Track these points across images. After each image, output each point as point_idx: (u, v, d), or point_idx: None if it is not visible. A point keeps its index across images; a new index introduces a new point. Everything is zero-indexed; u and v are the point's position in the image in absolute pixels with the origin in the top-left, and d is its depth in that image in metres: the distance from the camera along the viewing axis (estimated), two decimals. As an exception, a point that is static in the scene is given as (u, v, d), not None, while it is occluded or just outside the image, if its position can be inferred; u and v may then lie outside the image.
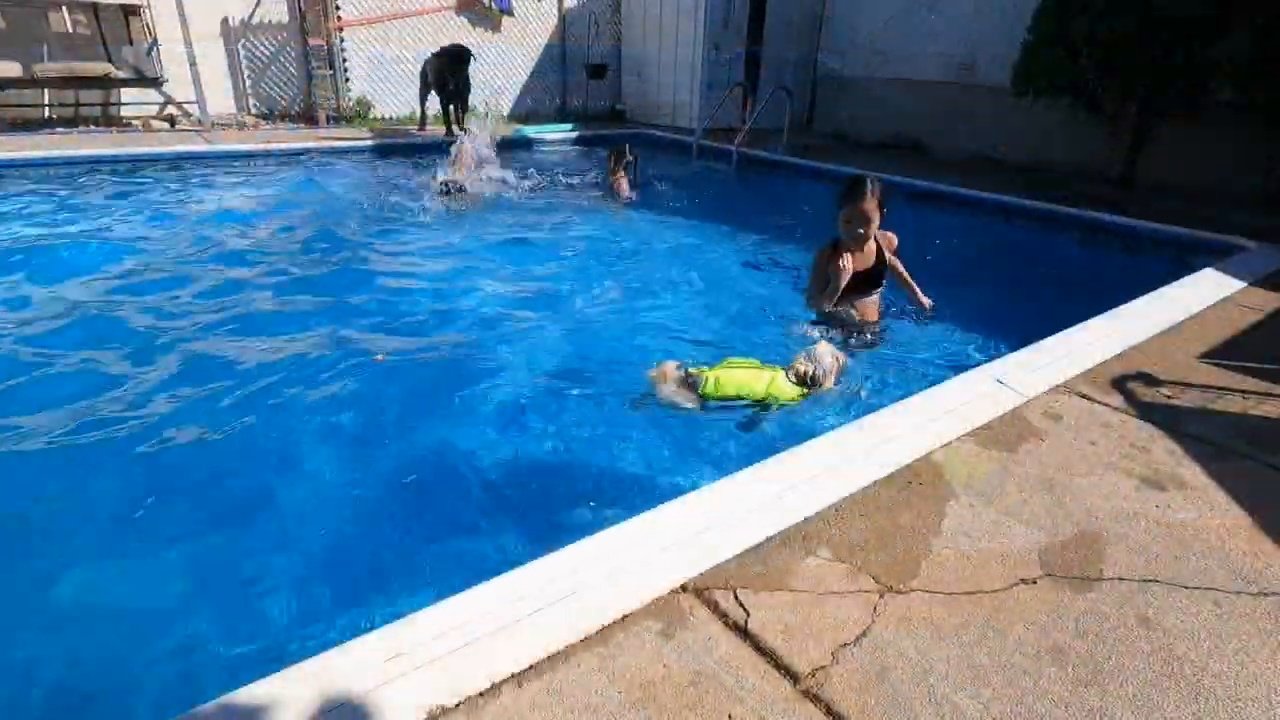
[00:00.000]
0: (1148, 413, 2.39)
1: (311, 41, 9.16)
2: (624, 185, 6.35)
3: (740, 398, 2.66)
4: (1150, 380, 2.63)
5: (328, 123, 9.42)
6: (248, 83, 9.20)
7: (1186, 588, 1.60)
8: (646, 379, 2.76)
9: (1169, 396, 2.51)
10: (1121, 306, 3.33)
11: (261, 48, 9.13)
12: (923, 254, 3.81)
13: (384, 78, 9.80)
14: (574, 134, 9.53)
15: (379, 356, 3.03)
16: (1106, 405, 2.43)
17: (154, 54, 8.23)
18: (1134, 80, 6.19)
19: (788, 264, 4.69)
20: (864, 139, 9.91)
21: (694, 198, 6.65)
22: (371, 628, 1.37)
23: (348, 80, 9.51)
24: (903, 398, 2.39)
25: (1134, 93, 6.41)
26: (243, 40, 8.97)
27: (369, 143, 8.19)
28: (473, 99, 10.55)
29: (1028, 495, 1.91)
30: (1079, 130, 7.32)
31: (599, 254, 4.91)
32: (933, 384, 2.50)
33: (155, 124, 8.63)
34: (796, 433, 2.42)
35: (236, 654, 1.69)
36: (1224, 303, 3.56)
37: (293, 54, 9.31)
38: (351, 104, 9.60)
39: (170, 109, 8.77)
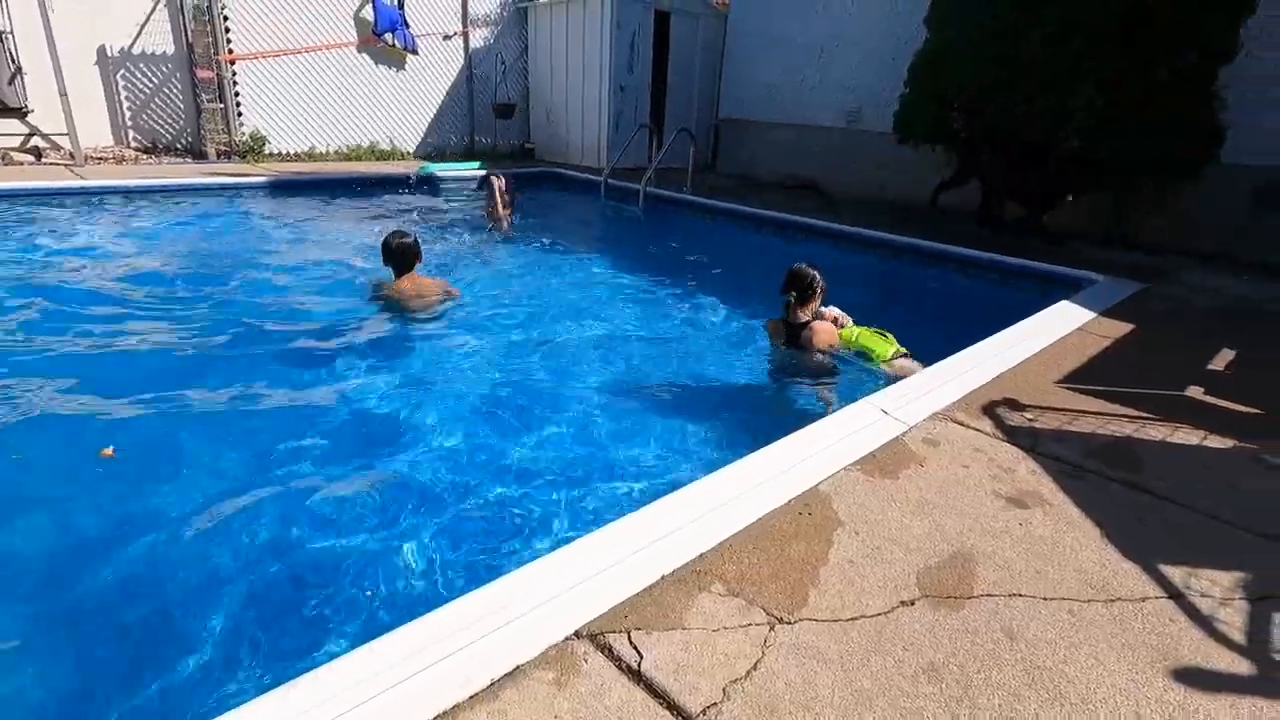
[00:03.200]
0: (1013, 436, 2.60)
1: (200, 74, 8.77)
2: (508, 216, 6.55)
3: (868, 355, 3.54)
4: (1015, 405, 2.86)
5: (218, 158, 9.00)
6: (127, 115, 8.67)
7: (1046, 599, 1.74)
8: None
9: (1031, 420, 2.74)
10: (992, 337, 3.62)
11: (144, 78, 8.66)
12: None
13: (281, 113, 9.48)
14: (481, 172, 9.50)
15: (106, 451, 2.54)
16: (978, 430, 2.62)
17: (17, 83, 7.64)
18: (993, 129, 6.81)
19: (689, 297, 4.84)
20: (765, 179, 10.41)
21: (601, 234, 6.77)
22: (245, 700, 1.28)
23: (240, 114, 9.14)
24: (794, 430, 2.49)
25: (997, 141, 7.05)
26: (122, 70, 8.48)
27: (261, 179, 7.86)
28: (376, 135, 10.41)
29: (908, 520, 2.02)
30: (953, 172, 7.97)
31: (499, 290, 4.89)
32: (821, 416, 2.62)
33: (18, 157, 7.97)
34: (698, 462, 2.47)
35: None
36: (1078, 331, 3.93)
37: (179, 86, 8.88)
38: (245, 139, 9.21)
39: (36, 141, 8.13)
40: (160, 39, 8.64)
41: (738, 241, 7.27)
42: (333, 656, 1.40)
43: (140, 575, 2.05)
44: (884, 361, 3.50)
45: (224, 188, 7.50)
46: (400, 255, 4.01)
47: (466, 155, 11.08)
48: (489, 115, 11.43)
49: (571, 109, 11.18)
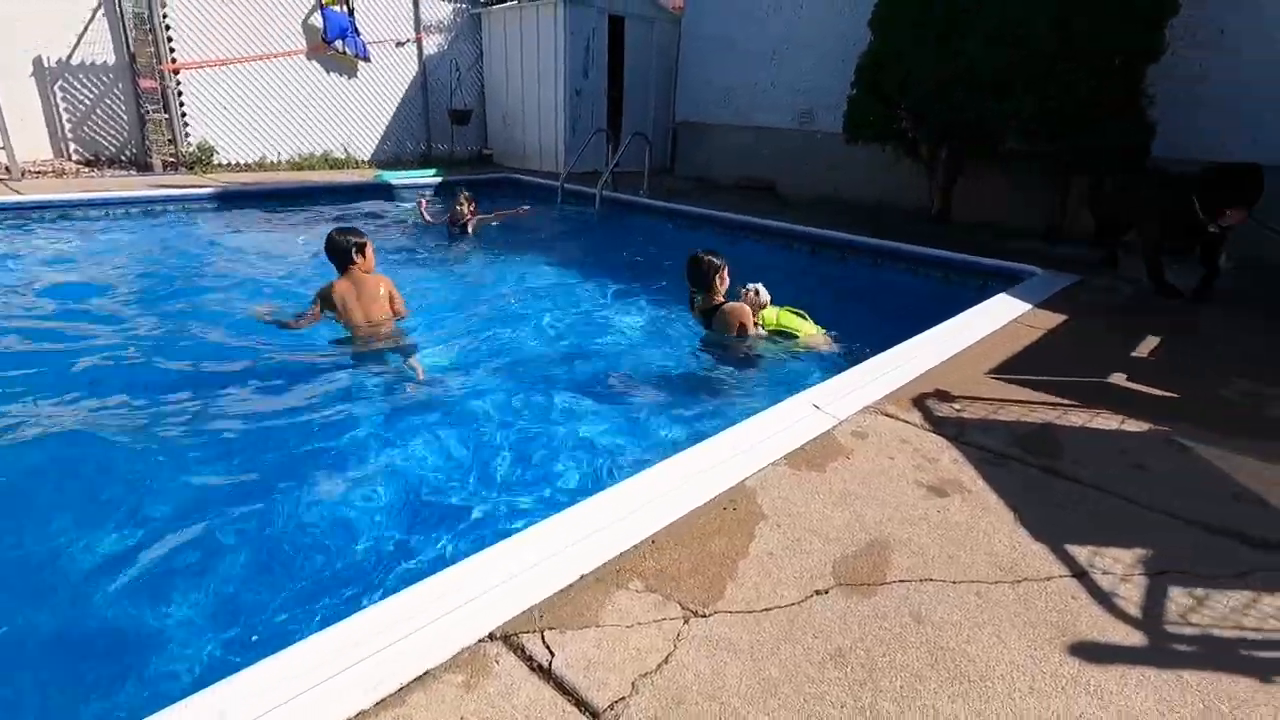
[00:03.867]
0: (940, 426, 2.67)
1: (144, 84, 8.56)
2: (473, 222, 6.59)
3: (791, 335, 3.85)
4: (945, 396, 2.94)
5: (164, 170, 8.80)
6: (67, 127, 8.44)
7: (955, 583, 1.79)
8: (746, 288, 3.86)
9: (959, 410, 2.82)
10: (928, 331, 3.71)
11: (84, 89, 8.43)
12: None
13: (229, 122, 9.30)
14: (438, 179, 9.44)
15: None
16: (907, 422, 2.69)
17: (-53, 95, 7.38)
18: (939, 129, 6.99)
19: (639, 295, 4.88)
20: (722, 181, 10.51)
21: (557, 238, 6.79)
22: (147, 713, 1.26)
23: (186, 125, 8.95)
24: (732, 420, 2.53)
25: (942, 141, 7.23)
26: (61, 81, 8.24)
27: (209, 191, 7.70)
28: (329, 144, 10.29)
29: (829, 511, 2.07)
30: (903, 172, 8.15)
31: (449, 294, 4.87)
32: (754, 411, 2.67)
33: (-50, 172, 7.70)
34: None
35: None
36: (1012, 323, 4.05)
37: (122, 96, 8.66)
38: (192, 150, 9.02)
39: (-31, 155, 7.86)
40: (100, 48, 8.41)
41: (690, 242, 7.27)
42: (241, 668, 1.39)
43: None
44: (805, 337, 3.86)
45: (170, 200, 7.33)
46: (333, 251, 3.79)
47: (423, 162, 10.99)
48: (445, 121, 11.36)
49: (528, 114, 11.16)
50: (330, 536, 2.26)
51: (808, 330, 3.89)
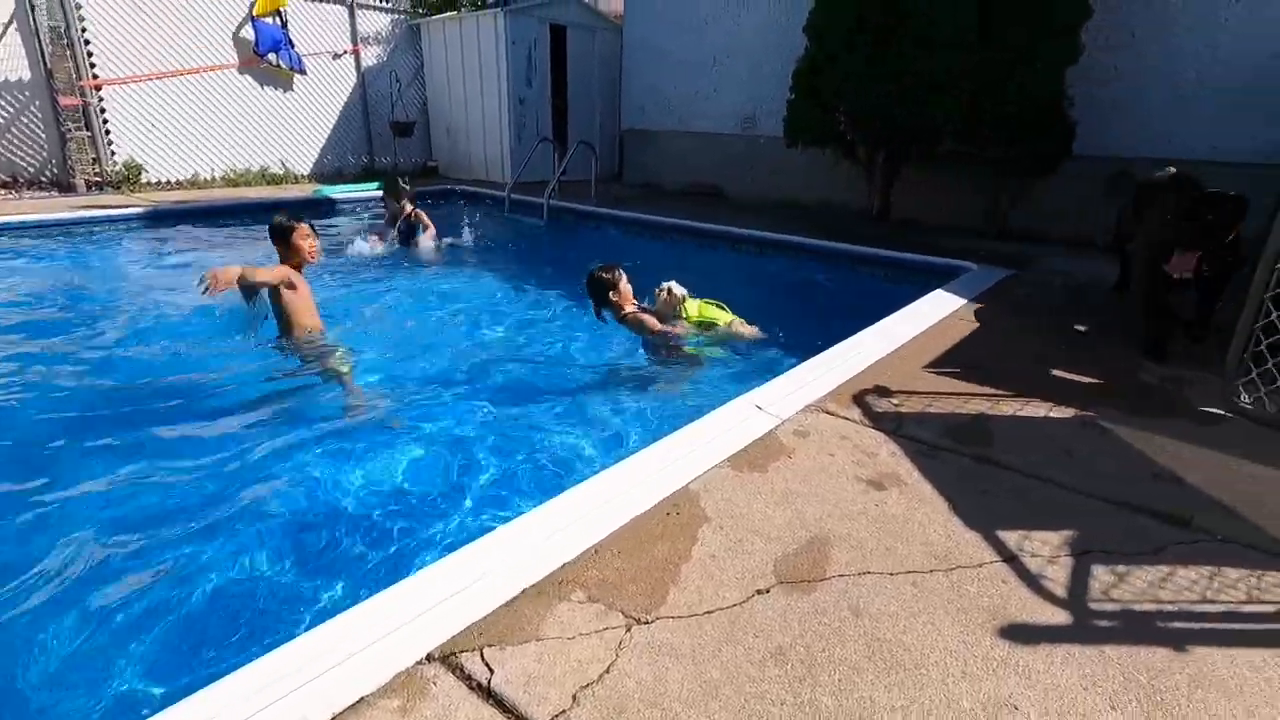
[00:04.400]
0: (878, 421, 2.73)
1: (63, 101, 8.18)
2: (431, 225, 6.49)
3: (713, 324, 3.98)
4: (884, 392, 3.01)
5: (89, 190, 8.42)
6: (-21, 147, 8.01)
7: (892, 574, 1.84)
8: (661, 287, 3.98)
9: (896, 405, 2.89)
10: (868, 328, 3.80)
11: (-3, 108, 8.02)
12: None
13: (157, 139, 8.96)
14: (379, 192, 9.24)
15: None
16: (846, 419, 2.75)
17: None
18: (876, 131, 7.19)
19: (584, 302, 4.87)
20: (669, 187, 10.59)
21: (503, 248, 6.74)
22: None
23: (111, 143, 8.58)
24: (676, 423, 2.55)
25: (879, 144, 7.44)
26: (-30, 100, 7.82)
27: (137, 210, 7.40)
28: (265, 159, 10.01)
29: (771, 510, 2.10)
30: (843, 174, 8.36)
31: (385, 306, 4.78)
32: (700, 415, 2.69)
33: None
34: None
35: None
36: (949, 317, 4.18)
37: (39, 114, 8.25)
38: (118, 169, 8.66)
39: None
40: (14, 64, 8.00)
41: (638, 247, 7.37)
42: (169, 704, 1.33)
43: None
44: (725, 325, 4.04)
45: (94, 221, 7.01)
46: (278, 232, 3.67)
47: (366, 175, 10.77)
48: (388, 134, 11.17)
49: (472, 125, 11.06)
50: (258, 564, 2.18)
51: (726, 319, 4.07)
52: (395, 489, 2.63)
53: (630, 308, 3.91)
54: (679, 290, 4.00)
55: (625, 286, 3.90)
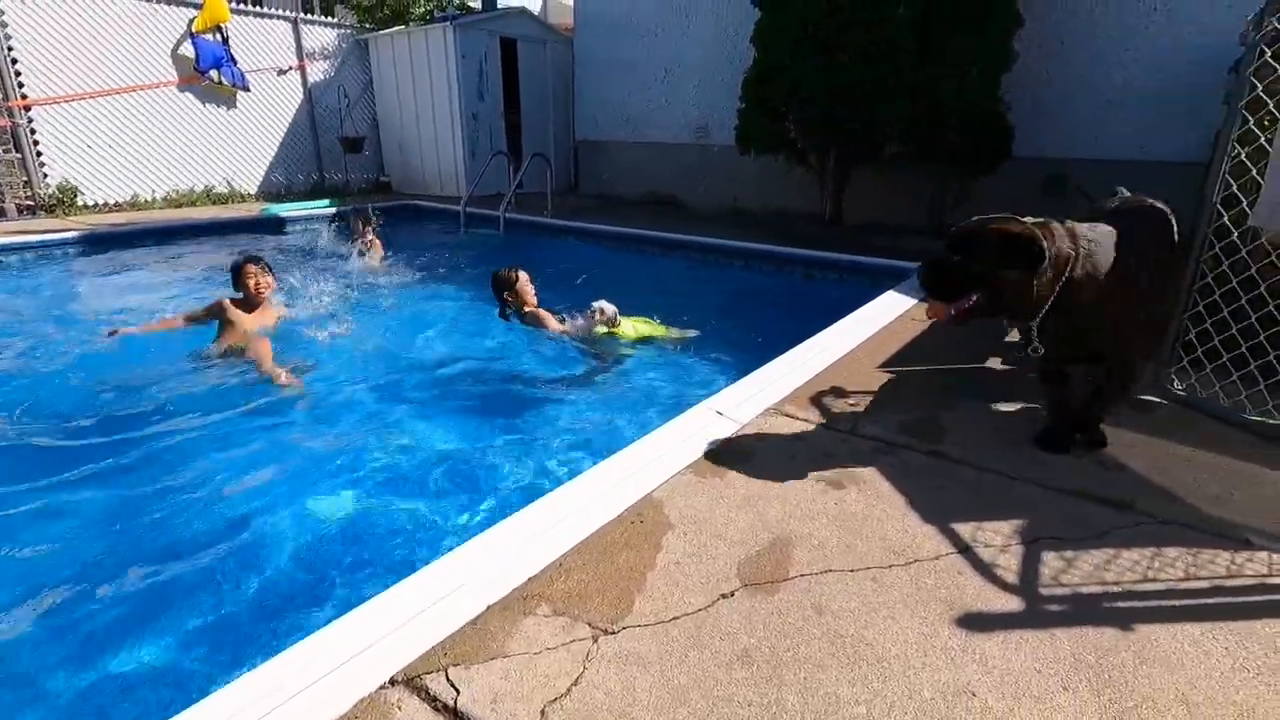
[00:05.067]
0: (836, 422, 2.79)
1: (-11, 122, 7.86)
2: (379, 246, 6.48)
3: (651, 338, 4.31)
4: (840, 393, 3.08)
5: (20, 214, 8.07)
6: (-102, 172, 7.61)
7: (853, 571, 1.87)
8: (591, 309, 4.17)
9: (853, 405, 2.96)
10: (823, 331, 3.88)
11: (-84, 131, 7.64)
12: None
13: (93, 160, 8.65)
14: (332, 210, 9.10)
15: None
16: (805, 420, 2.80)
17: None
18: (825, 137, 7.37)
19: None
20: (626, 197, 10.66)
21: (459, 262, 6.69)
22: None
23: (43, 164, 8.25)
24: (633, 440, 2.55)
25: (829, 149, 7.62)
26: (-113, 123, 7.44)
27: (72, 234, 7.11)
28: (210, 178, 9.74)
29: (734, 514, 2.12)
30: (796, 180, 8.54)
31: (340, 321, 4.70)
32: (663, 422, 2.70)
33: None
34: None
35: None
36: (901, 317, 4.29)
37: (-37, 137, 7.90)
38: (51, 191, 8.32)
39: None
40: (-66, 85, 7.66)
41: (591, 258, 7.38)
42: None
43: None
44: (664, 337, 4.40)
45: (26, 247, 6.72)
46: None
47: (315, 193, 10.58)
48: (337, 150, 10.99)
49: (425, 140, 10.96)
50: (209, 593, 2.12)
51: (661, 332, 4.43)
52: (349, 512, 2.58)
53: (530, 307, 4.21)
54: (609, 309, 4.25)
55: (524, 286, 4.25)
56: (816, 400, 3.00)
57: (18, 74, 7.90)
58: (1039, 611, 1.72)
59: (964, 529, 2.06)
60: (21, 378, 3.83)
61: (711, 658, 1.56)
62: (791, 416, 2.83)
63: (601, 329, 4.19)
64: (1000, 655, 1.57)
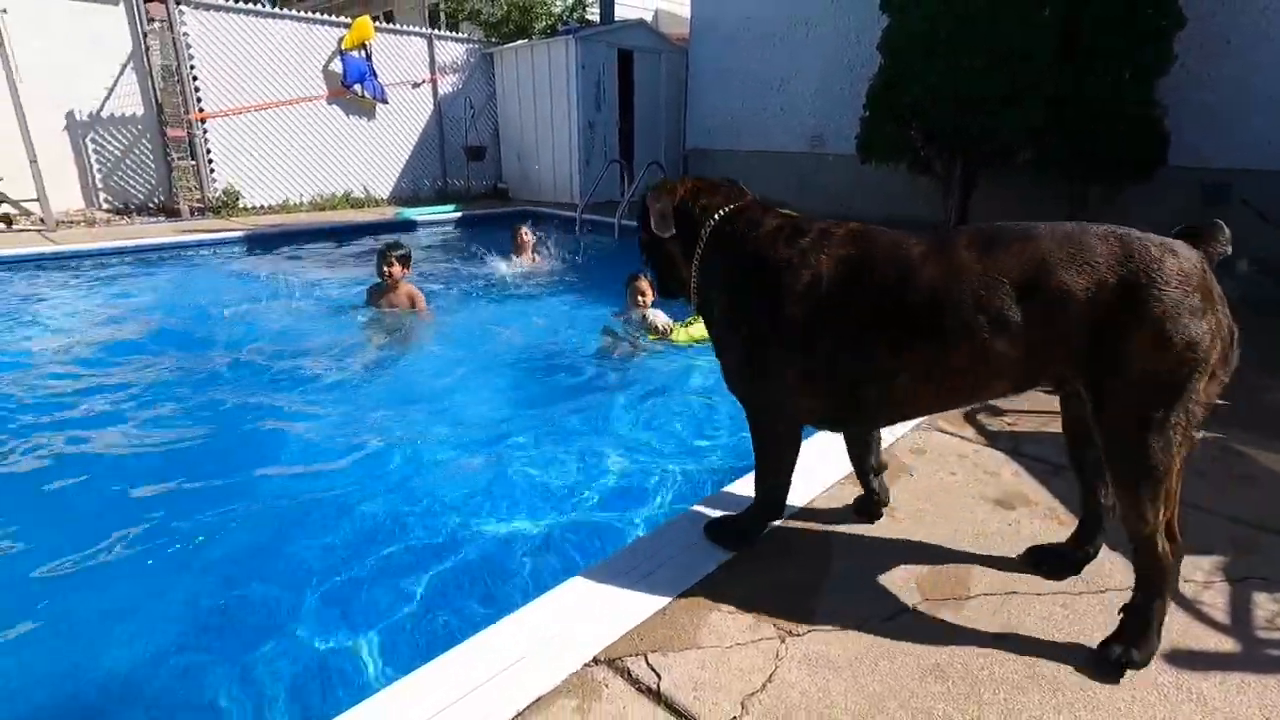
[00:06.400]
0: (994, 440, 2.70)
1: (171, 133, 8.82)
2: (530, 248, 6.91)
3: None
4: (995, 411, 2.97)
5: (192, 215, 9.01)
6: (97, 177, 8.67)
7: (1040, 594, 1.81)
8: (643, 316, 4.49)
9: (1010, 424, 2.85)
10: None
11: (114, 141, 8.69)
12: None
13: (253, 167, 9.54)
14: (457, 214, 9.62)
15: None
16: (961, 437, 2.72)
17: (-14, 152, 7.62)
18: (952, 144, 7.09)
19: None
20: (735, 205, 10.64)
21: (576, 267, 6.94)
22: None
23: (212, 171, 9.18)
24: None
25: (955, 156, 7.33)
26: (91, 134, 8.51)
27: (237, 234, 7.88)
28: (349, 184, 10.51)
29: (903, 527, 2.09)
30: (918, 188, 8.27)
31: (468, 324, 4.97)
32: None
33: (-12, 225, 7.92)
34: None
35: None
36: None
37: (150, 146, 8.92)
38: (218, 195, 9.25)
39: (6, 208, 8.09)
40: (128, 101, 8.69)
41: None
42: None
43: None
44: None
45: (201, 245, 7.50)
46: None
47: (440, 198, 11.19)
48: (461, 158, 11.60)
49: (542, 148, 11.38)
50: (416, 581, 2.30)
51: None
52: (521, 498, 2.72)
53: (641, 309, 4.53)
54: (664, 319, 4.46)
55: (642, 287, 4.48)
56: (969, 417, 2.90)
57: (197, 90, 8.84)
58: (1258, 656, 1.61)
59: (1156, 561, 1.94)
60: (242, 324, 4.51)
61: (902, 669, 1.55)
62: (945, 432, 2.75)
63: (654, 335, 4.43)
64: (1221, 697, 1.48)
